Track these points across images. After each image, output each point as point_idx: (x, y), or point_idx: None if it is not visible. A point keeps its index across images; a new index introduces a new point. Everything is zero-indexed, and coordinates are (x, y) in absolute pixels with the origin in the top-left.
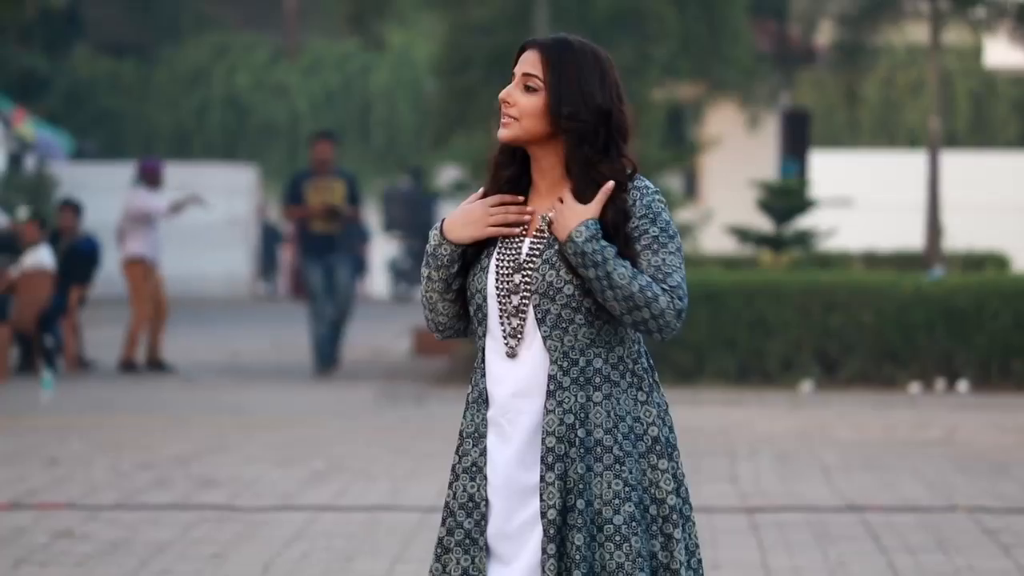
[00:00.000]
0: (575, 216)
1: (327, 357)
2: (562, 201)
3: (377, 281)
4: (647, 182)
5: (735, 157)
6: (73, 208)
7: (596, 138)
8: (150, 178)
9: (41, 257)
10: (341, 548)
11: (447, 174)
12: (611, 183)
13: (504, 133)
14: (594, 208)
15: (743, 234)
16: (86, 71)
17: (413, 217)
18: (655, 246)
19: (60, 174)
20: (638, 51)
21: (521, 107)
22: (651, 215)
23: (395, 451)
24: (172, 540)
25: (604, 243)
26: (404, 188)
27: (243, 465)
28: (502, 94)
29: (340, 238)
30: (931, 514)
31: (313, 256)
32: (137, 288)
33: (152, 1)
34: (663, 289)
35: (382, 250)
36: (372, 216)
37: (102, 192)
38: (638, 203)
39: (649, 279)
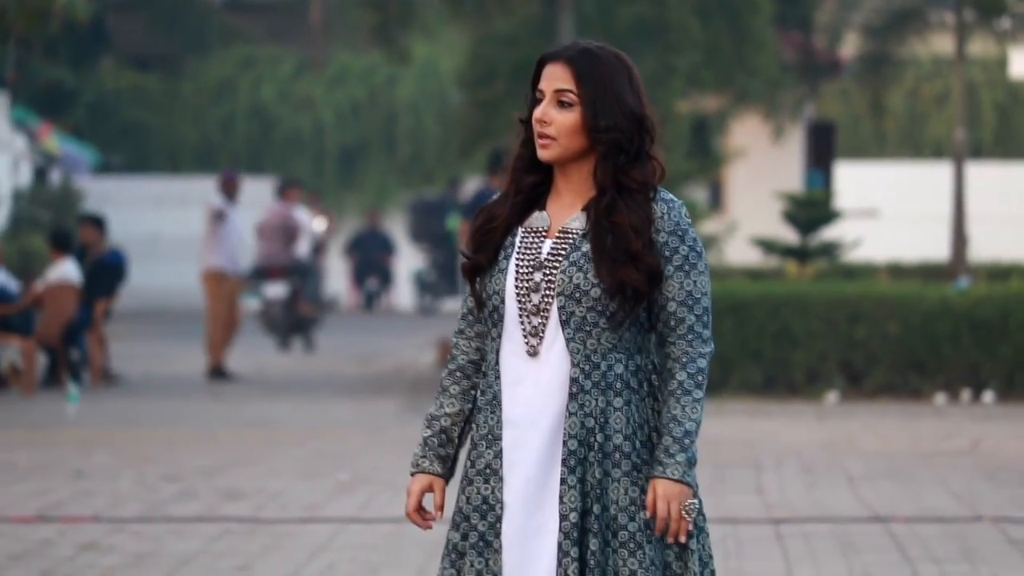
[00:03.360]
0: (676, 498)
1: None
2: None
3: (403, 293)
4: (671, 195)
5: (760, 168)
6: (94, 222)
7: (631, 146)
8: (229, 189)
9: (66, 271)
10: (366, 560)
11: (472, 185)
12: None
13: (545, 155)
14: (683, 487)
15: (768, 245)
16: (111, 84)
17: (440, 229)
18: (686, 267)
19: (85, 188)
20: (662, 61)
21: (559, 125)
22: (679, 232)
23: None
24: (197, 552)
25: (688, 456)
26: (431, 199)
27: (268, 477)
28: (537, 114)
29: None
30: (957, 524)
31: None
32: None
33: (177, 14)
34: (694, 359)
35: (408, 262)
36: (398, 228)
37: (128, 205)
38: (666, 218)
39: (692, 383)
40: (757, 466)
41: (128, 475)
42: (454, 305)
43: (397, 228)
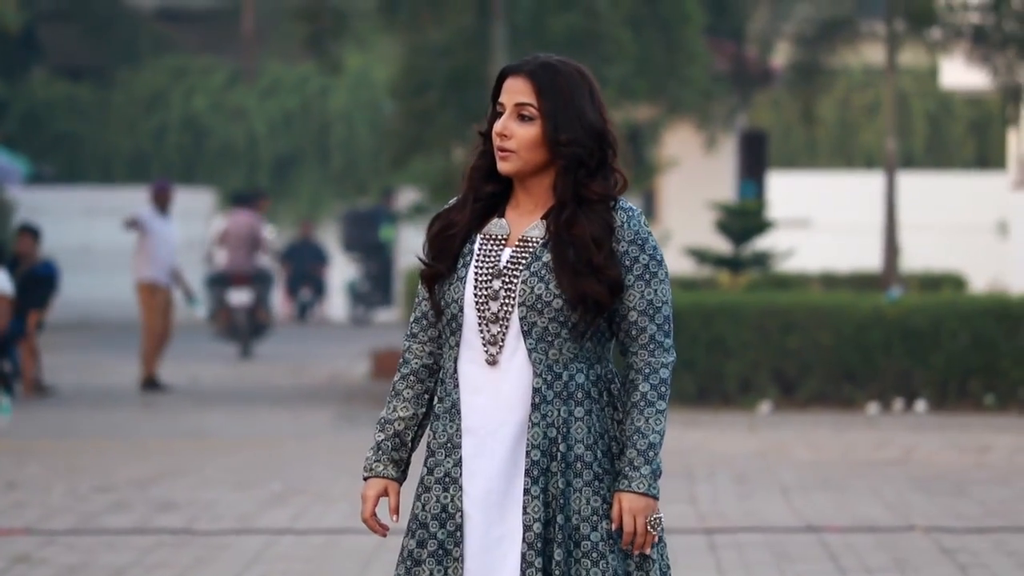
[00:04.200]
0: (642, 512)
1: None
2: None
3: (336, 303)
4: (631, 204)
5: (693, 178)
6: (32, 233)
7: (592, 159)
8: (161, 200)
9: None
10: (299, 571)
11: (405, 196)
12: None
13: (505, 167)
14: (649, 500)
15: (701, 255)
16: (43, 94)
17: (373, 239)
18: (647, 276)
19: (17, 198)
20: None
21: (519, 138)
22: (639, 241)
23: (353, 473)
24: (130, 564)
25: (652, 468)
26: (364, 210)
27: (201, 488)
28: (497, 127)
29: None
30: (889, 534)
31: None
32: None
33: (109, 24)
34: (657, 369)
35: (341, 272)
36: (331, 238)
37: (60, 216)
38: (625, 227)
39: (655, 394)
40: (690, 476)
41: (60, 487)
42: (387, 316)
43: (330, 238)
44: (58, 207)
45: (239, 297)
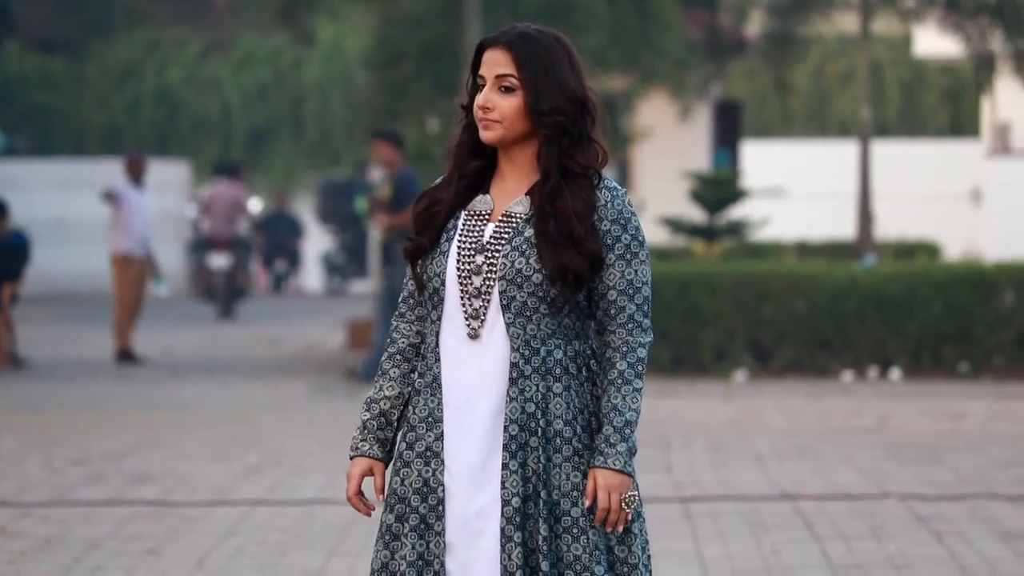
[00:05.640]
0: (617, 489)
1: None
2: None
3: (311, 275)
4: (615, 183)
5: (667, 148)
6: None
7: (574, 128)
8: (135, 171)
9: None
10: (275, 542)
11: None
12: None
13: (489, 136)
14: (624, 478)
15: (676, 225)
16: (16, 67)
17: (348, 210)
18: (628, 256)
19: None
20: None
21: (503, 110)
22: (622, 220)
23: (329, 445)
24: (106, 536)
25: (628, 445)
26: (338, 181)
27: (177, 460)
28: (479, 100)
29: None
30: (864, 502)
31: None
32: None
33: None
34: (634, 348)
35: (316, 244)
36: (306, 210)
37: (34, 189)
38: (609, 206)
39: (632, 372)
40: (665, 445)
41: (35, 459)
42: (362, 287)
43: (305, 210)
44: (32, 180)
45: (219, 261)
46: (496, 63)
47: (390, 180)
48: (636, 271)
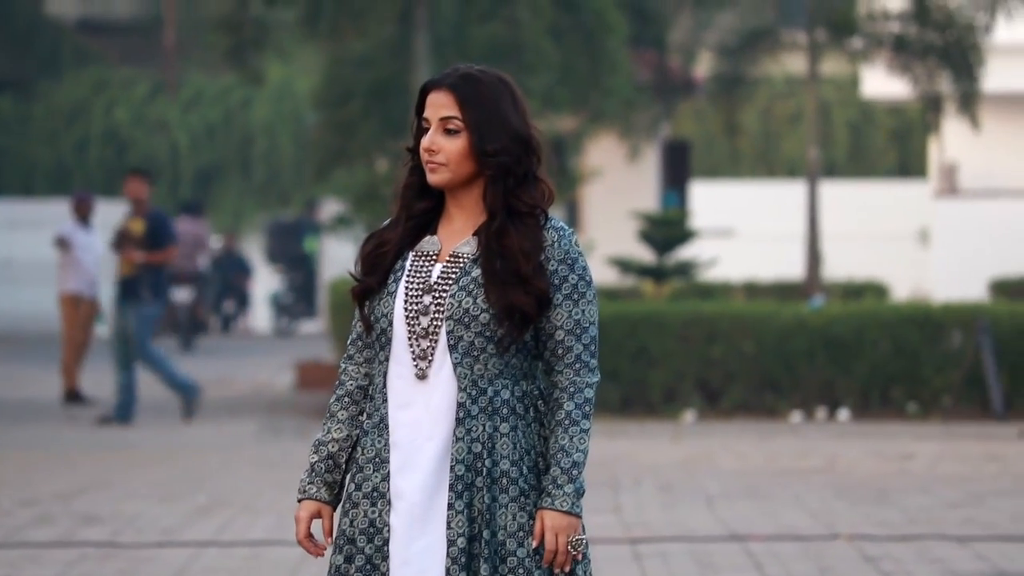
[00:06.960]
0: (564, 530)
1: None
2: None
3: (260, 315)
4: (562, 223)
5: (616, 188)
6: None
7: (519, 167)
8: (82, 211)
9: None
10: None
11: (329, 208)
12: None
13: (435, 179)
14: (572, 519)
15: (625, 265)
16: None
17: (297, 250)
18: (575, 296)
19: None
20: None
21: (448, 152)
22: (569, 260)
23: (278, 485)
24: None
25: (576, 486)
26: (287, 221)
27: (125, 501)
28: (425, 143)
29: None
30: (813, 542)
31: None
32: None
33: (30, 36)
34: (582, 388)
35: (265, 284)
36: (255, 250)
37: None
38: (556, 246)
39: (580, 413)
40: (615, 486)
41: None
42: (311, 327)
43: (254, 250)
44: None
45: (181, 295)
46: (440, 105)
47: (141, 217)
48: (583, 311)
